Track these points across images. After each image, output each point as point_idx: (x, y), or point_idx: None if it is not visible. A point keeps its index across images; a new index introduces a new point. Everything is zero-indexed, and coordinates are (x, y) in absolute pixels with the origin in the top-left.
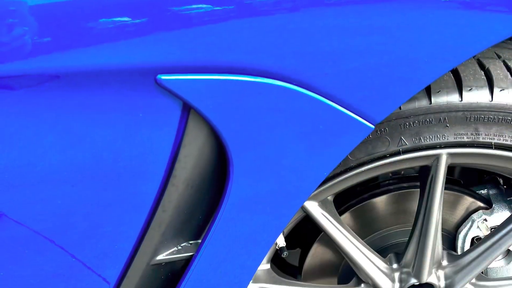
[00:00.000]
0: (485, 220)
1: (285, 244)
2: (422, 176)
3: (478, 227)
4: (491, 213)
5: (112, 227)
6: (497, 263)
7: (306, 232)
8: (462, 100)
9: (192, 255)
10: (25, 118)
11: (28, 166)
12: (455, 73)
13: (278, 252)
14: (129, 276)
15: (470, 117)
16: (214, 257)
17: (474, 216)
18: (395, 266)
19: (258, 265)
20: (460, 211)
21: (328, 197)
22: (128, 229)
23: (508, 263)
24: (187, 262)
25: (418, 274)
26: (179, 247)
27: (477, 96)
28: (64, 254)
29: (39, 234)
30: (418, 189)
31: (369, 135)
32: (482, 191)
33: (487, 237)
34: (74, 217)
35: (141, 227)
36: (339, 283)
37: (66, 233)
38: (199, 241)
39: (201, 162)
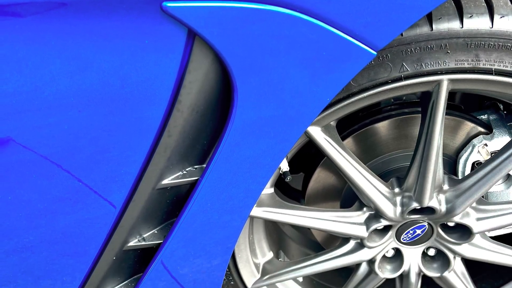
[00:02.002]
0: (486, 145)
1: (288, 168)
2: (424, 102)
3: (478, 151)
4: (491, 138)
5: (119, 151)
6: (497, 188)
7: (309, 156)
8: (462, 27)
9: (197, 180)
10: (33, 45)
11: (36, 92)
12: (456, 0)
13: (281, 176)
14: (135, 200)
15: (471, 43)
16: (218, 182)
17: (475, 141)
18: (397, 190)
19: (262, 189)
20: (461, 136)
21: (331, 122)
22: (134, 154)
23: (508, 188)
24: (192, 187)
25: (419, 198)
26: (184, 172)
27: (477, 23)
28: (71, 179)
29: (46, 159)
30: (420, 115)
31: (371, 61)
32: (483, 117)
33: (487, 162)
34: (81, 141)
35: (147, 152)
36: (341, 207)
37: (73, 157)
38: (204, 165)
39: (206, 88)
